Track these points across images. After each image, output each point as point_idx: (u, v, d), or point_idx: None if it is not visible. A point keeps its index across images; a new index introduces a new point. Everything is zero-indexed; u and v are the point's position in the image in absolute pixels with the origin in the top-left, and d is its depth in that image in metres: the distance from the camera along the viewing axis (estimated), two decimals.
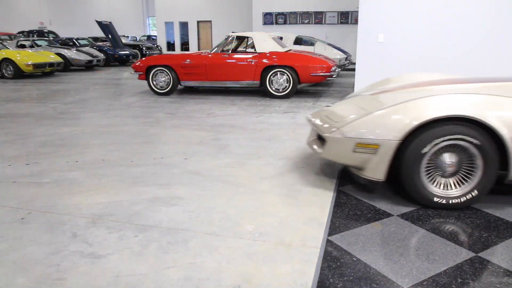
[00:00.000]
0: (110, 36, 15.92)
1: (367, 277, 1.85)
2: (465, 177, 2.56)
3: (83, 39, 17.18)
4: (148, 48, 18.79)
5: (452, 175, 2.57)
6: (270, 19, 17.92)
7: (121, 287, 1.77)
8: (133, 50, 16.65)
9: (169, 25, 23.75)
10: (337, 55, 10.94)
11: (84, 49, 14.40)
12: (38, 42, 14.38)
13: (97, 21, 15.91)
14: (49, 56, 11.94)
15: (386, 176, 2.59)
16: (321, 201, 2.71)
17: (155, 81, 7.78)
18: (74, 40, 16.60)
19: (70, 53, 13.40)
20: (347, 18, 17.24)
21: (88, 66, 14.11)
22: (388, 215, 2.50)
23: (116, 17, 29.20)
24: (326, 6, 17.37)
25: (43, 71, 11.53)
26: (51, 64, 11.58)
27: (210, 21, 23.04)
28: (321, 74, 7.05)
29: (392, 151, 2.50)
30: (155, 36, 26.21)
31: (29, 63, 10.81)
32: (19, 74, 10.91)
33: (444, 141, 2.45)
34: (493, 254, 2.04)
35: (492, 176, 2.47)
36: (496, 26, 6.87)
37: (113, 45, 16.00)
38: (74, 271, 1.89)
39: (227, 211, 2.55)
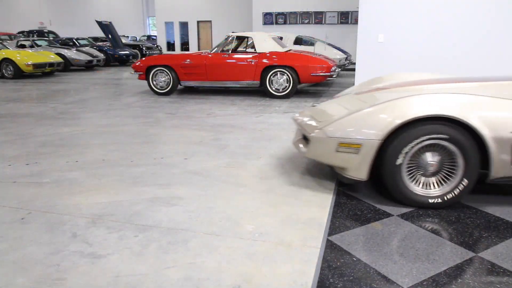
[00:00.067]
0: (110, 36, 15.92)
1: (367, 277, 1.85)
2: (446, 177, 2.57)
3: (83, 39, 17.18)
4: (148, 48, 18.79)
5: (434, 174, 2.58)
6: (270, 19, 17.92)
7: (121, 287, 1.77)
8: (133, 50, 16.65)
9: (169, 25, 23.76)
10: (337, 55, 10.94)
11: (84, 49, 14.40)
12: (38, 42, 14.38)
13: (97, 21, 15.91)
14: (49, 56, 11.94)
15: (369, 176, 2.61)
16: (321, 201, 2.71)
17: (155, 81, 7.78)
18: (74, 40, 16.60)
19: (70, 53, 13.40)
20: (347, 18, 17.24)
21: (88, 66, 14.12)
22: (388, 215, 2.50)
23: (116, 17, 29.21)
24: (326, 6, 17.37)
25: (43, 71, 11.53)
26: (51, 64, 11.58)
27: (210, 21, 23.05)
28: (321, 74, 7.04)
29: (374, 151, 2.52)
30: (155, 36, 26.21)
31: (29, 63, 10.81)
32: (19, 74, 10.91)
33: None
34: (493, 254, 2.04)
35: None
36: (496, 26, 6.87)
37: (113, 45, 16.00)
38: (74, 271, 1.89)
39: (227, 211, 2.55)
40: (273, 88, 7.28)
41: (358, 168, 2.60)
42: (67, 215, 2.49)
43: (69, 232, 2.27)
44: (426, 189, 2.59)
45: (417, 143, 2.47)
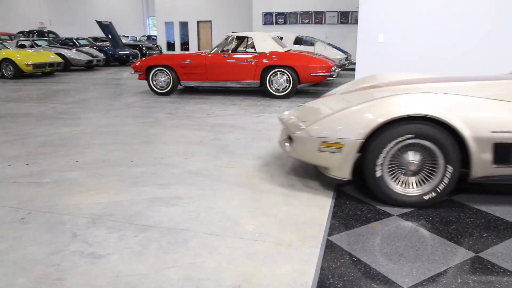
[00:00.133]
0: (110, 36, 15.93)
1: (367, 277, 1.85)
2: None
3: (83, 39, 17.18)
4: (148, 48, 18.79)
5: (415, 173, 2.59)
6: (270, 19, 17.92)
7: (121, 287, 1.77)
8: (133, 50, 16.65)
9: (169, 25, 23.76)
10: (337, 55, 10.94)
11: (84, 49, 14.40)
12: (38, 42, 14.38)
13: (97, 21, 15.91)
14: (49, 56, 11.94)
15: (351, 175, 2.63)
16: (321, 201, 2.71)
17: (155, 81, 7.78)
18: (74, 40, 16.60)
19: (70, 53, 13.40)
20: (347, 18, 17.24)
21: (88, 66, 14.12)
22: (388, 215, 2.50)
23: (116, 17, 29.21)
24: (326, 6, 17.37)
25: (43, 71, 11.53)
26: (51, 64, 11.58)
27: (210, 21, 23.05)
28: (321, 74, 7.05)
29: (355, 150, 2.53)
30: (155, 36, 26.21)
31: (29, 63, 10.81)
32: (19, 74, 10.91)
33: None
34: (493, 254, 2.04)
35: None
36: (496, 26, 6.87)
37: (113, 45, 16.00)
38: (74, 271, 1.89)
39: (227, 211, 2.55)
40: (273, 88, 7.28)
41: (341, 168, 2.61)
42: (67, 215, 2.49)
43: (69, 232, 2.27)
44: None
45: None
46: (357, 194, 2.84)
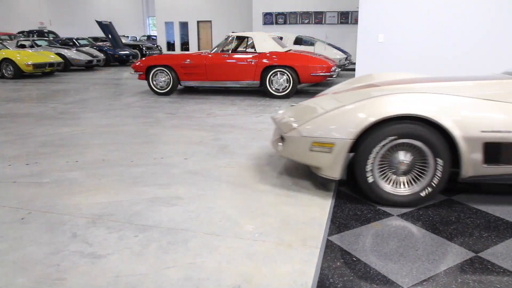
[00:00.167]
0: (110, 36, 15.92)
1: (367, 277, 1.85)
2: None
3: (83, 39, 17.18)
4: (148, 48, 18.79)
5: (405, 173, 2.59)
6: (270, 19, 17.92)
7: (121, 287, 1.78)
8: (133, 50, 16.65)
9: (169, 25, 23.76)
10: (337, 55, 10.95)
11: (84, 49, 14.40)
12: (38, 42, 14.38)
13: (97, 21, 15.91)
14: (49, 56, 11.94)
15: (342, 174, 2.64)
16: (321, 201, 2.71)
17: (155, 81, 7.78)
18: (74, 40, 16.60)
19: (70, 53, 13.40)
20: (347, 18, 17.24)
21: (88, 66, 14.12)
22: (388, 215, 2.50)
23: (116, 17, 29.21)
24: (326, 6, 17.37)
25: (43, 71, 11.53)
26: (51, 64, 11.58)
27: (210, 21, 23.05)
28: (321, 74, 7.05)
29: (346, 150, 2.54)
30: (155, 36, 26.21)
31: (29, 63, 10.81)
32: (19, 74, 10.91)
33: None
34: (493, 254, 2.04)
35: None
36: (496, 26, 6.87)
37: (113, 45, 16.00)
38: (74, 271, 1.89)
39: (227, 211, 2.55)
40: (273, 88, 7.28)
41: (332, 167, 2.61)
42: (67, 215, 2.49)
43: (69, 232, 2.27)
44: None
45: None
46: (357, 194, 2.84)
